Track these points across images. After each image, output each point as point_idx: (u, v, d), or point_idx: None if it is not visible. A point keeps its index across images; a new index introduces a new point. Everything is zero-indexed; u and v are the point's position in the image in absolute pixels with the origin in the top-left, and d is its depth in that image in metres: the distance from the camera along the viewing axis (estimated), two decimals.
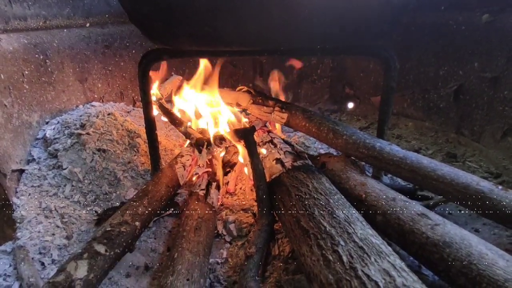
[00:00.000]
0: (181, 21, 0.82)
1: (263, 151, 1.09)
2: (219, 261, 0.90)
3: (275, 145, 1.11)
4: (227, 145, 1.16)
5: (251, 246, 0.80)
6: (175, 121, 1.35)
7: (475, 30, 1.34)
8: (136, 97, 1.79)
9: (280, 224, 0.93)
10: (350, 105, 1.96)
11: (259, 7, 0.73)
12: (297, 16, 0.76)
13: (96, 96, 1.57)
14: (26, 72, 1.19)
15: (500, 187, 0.80)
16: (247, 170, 1.12)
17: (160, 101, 1.43)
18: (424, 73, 1.59)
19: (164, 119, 1.44)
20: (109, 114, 1.32)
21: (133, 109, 1.74)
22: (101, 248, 0.74)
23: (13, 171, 1.03)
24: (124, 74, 1.71)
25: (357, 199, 0.88)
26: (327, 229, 0.67)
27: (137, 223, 0.85)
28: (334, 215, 0.70)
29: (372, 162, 0.98)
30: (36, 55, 1.25)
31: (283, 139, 1.25)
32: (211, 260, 0.89)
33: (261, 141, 1.17)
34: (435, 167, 0.87)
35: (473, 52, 1.36)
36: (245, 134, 0.99)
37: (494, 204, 0.77)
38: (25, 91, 1.17)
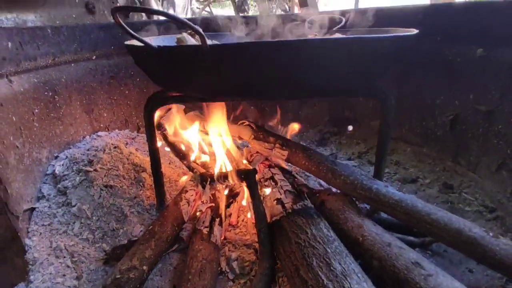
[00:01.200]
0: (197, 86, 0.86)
1: (264, 190, 1.12)
2: None
3: (276, 183, 1.15)
4: (230, 184, 1.20)
5: None
6: (178, 153, 1.40)
7: (470, 63, 1.37)
8: (141, 123, 1.84)
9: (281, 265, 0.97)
10: (350, 128, 2.00)
11: (270, 72, 0.78)
12: (296, 77, 0.81)
13: (102, 125, 1.62)
14: (36, 111, 1.24)
15: (491, 233, 0.84)
16: (249, 214, 1.15)
17: (164, 132, 1.48)
18: (421, 100, 1.63)
19: (168, 149, 1.49)
20: (115, 148, 1.37)
21: (138, 135, 1.79)
22: None
23: (25, 211, 1.07)
24: (128, 102, 1.76)
25: (355, 242, 0.92)
26: (325, 282, 0.71)
27: (144, 267, 0.89)
28: (332, 267, 0.74)
29: (369, 203, 1.02)
30: (46, 93, 1.30)
31: (284, 169, 1.29)
32: None
33: (262, 177, 1.21)
34: (429, 211, 0.90)
35: (468, 84, 1.39)
36: (246, 176, 1.03)
37: (485, 251, 0.81)
38: (35, 129, 1.22)
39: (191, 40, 1.12)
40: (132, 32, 0.76)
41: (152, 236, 0.97)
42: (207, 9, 11.37)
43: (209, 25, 1.80)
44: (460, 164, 1.45)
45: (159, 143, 1.46)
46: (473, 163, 1.38)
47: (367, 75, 0.93)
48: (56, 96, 1.35)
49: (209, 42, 1.26)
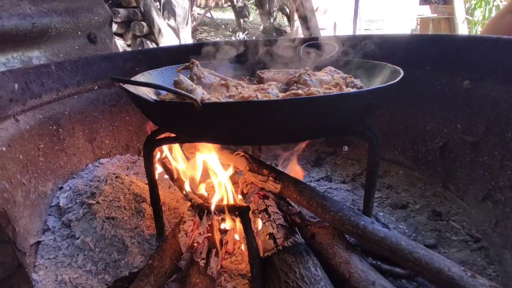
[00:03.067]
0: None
1: (258, 223, 1.18)
2: None
3: (269, 215, 1.20)
4: (225, 217, 1.26)
5: None
6: (177, 183, 1.45)
7: (457, 94, 1.43)
8: (141, 147, 1.90)
9: None
10: (345, 148, 2.05)
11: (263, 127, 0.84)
12: (282, 127, 0.86)
13: (103, 152, 1.69)
14: (41, 145, 1.30)
15: (469, 273, 0.89)
16: (243, 247, 1.21)
17: (163, 160, 1.54)
18: (412, 126, 1.68)
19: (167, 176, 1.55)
20: (116, 177, 1.43)
21: (138, 159, 1.85)
22: None
23: (31, 245, 1.13)
24: (129, 128, 1.82)
25: (342, 278, 0.97)
26: None
27: None
28: None
29: (356, 238, 1.07)
30: (50, 127, 1.36)
31: (278, 196, 1.34)
32: None
33: (257, 209, 1.27)
34: (412, 249, 0.96)
35: (456, 114, 1.44)
36: (240, 213, 1.08)
37: None
38: (40, 163, 1.28)
39: (187, 81, 1.18)
40: (133, 92, 0.82)
41: (152, 271, 1.03)
42: (208, 14, 11.43)
43: (204, 50, 1.86)
44: (449, 190, 1.50)
45: (159, 169, 1.52)
46: (461, 190, 1.43)
47: (351, 121, 0.99)
48: (60, 129, 1.41)
49: (205, 71, 1.33)
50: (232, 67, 1.63)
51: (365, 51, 1.55)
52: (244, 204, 1.22)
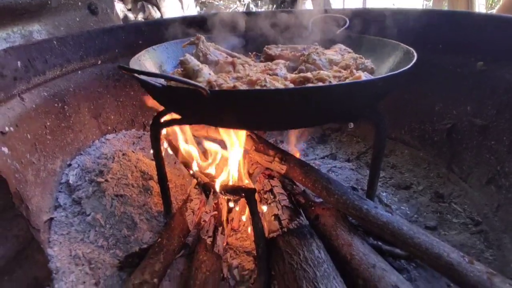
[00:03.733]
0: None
1: (263, 208, 1.21)
2: None
3: (275, 196, 1.23)
4: (231, 198, 1.28)
5: None
6: (183, 161, 1.47)
7: (470, 75, 1.39)
8: (146, 121, 1.90)
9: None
10: (351, 125, 2.03)
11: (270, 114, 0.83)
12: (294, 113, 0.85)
13: (109, 128, 1.69)
14: (48, 124, 1.30)
15: (467, 259, 0.92)
16: (249, 229, 1.24)
17: (169, 138, 1.54)
18: (421, 105, 1.66)
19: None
20: (123, 155, 1.44)
21: (144, 134, 1.86)
22: None
23: (45, 222, 1.18)
24: (134, 102, 1.81)
25: (343, 259, 1.01)
26: None
27: (155, 280, 1.00)
28: None
29: (359, 221, 1.10)
30: (56, 104, 1.36)
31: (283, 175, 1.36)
32: None
33: (262, 189, 1.29)
34: (413, 235, 0.98)
35: (467, 96, 1.41)
36: (246, 195, 1.10)
37: (460, 276, 0.90)
38: (48, 142, 1.29)
39: (194, 61, 1.15)
40: (140, 78, 0.80)
41: (161, 249, 1.08)
42: None
43: (209, 22, 1.79)
44: (453, 172, 1.50)
45: (164, 145, 1.53)
46: (465, 172, 1.44)
47: (361, 107, 0.97)
48: (65, 106, 1.40)
49: (211, 47, 1.29)
50: (238, 40, 1.58)
51: (376, 25, 1.49)
52: (251, 186, 1.24)
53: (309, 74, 1.04)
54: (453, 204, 1.36)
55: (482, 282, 0.86)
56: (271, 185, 1.29)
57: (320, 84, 0.97)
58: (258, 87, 0.95)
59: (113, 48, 1.65)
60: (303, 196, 1.31)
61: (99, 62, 1.60)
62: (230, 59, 1.27)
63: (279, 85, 0.96)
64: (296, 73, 1.18)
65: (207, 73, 1.14)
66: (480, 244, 1.17)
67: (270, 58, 1.37)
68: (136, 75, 0.79)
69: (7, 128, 1.03)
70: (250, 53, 1.49)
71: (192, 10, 5.82)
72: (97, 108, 1.60)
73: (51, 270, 1.08)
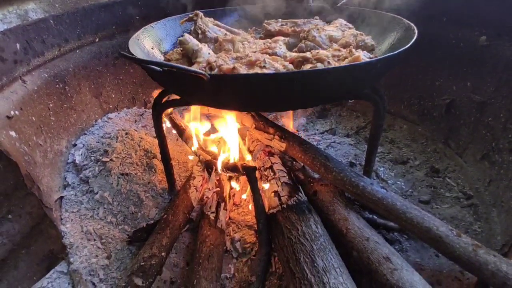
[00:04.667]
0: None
1: (264, 186, 1.25)
2: (228, 276, 1.14)
3: (275, 173, 1.27)
4: (233, 175, 1.32)
5: (252, 274, 1.03)
6: (186, 138, 1.50)
7: (472, 50, 1.37)
8: (147, 99, 1.91)
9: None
10: (351, 99, 2.04)
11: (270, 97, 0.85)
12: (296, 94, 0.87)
13: (111, 106, 1.71)
14: (51, 105, 1.32)
15: (454, 232, 0.97)
16: (250, 206, 1.30)
17: (171, 115, 1.57)
18: (421, 81, 1.65)
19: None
20: (126, 134, 1.48)
21: (145, 111, 1.88)
22: (139, 281, 0.97)
23: (55, 200, 1.23)
24: (134, 80, 1.81)
25: (339, 233, 1.07)
26: (308, 276, 0.88)
27: (163, 253, 1.07)
28: (315, 264, 0.90)
29: (356, 197, 1.15)
30: (57, 85, 1.37)
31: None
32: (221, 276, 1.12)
33: (263, 166, 1.33)
34: (405, 210, 1.03)
35: (467, 71, 1.41)
36: (247, 173, 1.15)
37: (448, 248, 0.96)
38: (52, 123, 1.32)
39: (193, 41, 1.14)
40: (141, 60, 0.81)
41: (167, 225, 1.14)
42: None
43: None
44: (450, 147, 1.54)
45: (166, 123, 1.56)
46: (461, 147, 1.47)
47: (361, 87, 0.98)
48: (66, 87, 1.41)
49: (210, 23, 1.28)
50: (238, 14, 1.55)
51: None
52: (251, 163, 1.28)
53: (308, 54, 1.04)
54: (447, 179, 1.41)
55: (467, 254, 0.92)
56: (271, 162, 1.33)
57: (319, 64, 0.98)
58: (257, 68, 0.95)
59: (110, 25, 1.62)
60: (302, 173, 1.35)
61: (97, 40, 1.58)
62: (229, 36, 1.26)
63: (278, 65, 0.97)
64: (295, 51, 1.17)
65: (206, 53, 1.14)
66: (469, 217, 1.22)
67: (270, 34, 1.36)
68: (135, 57, 0.79)
69: (12, 112, 1.06)
70: (249, 28, 1.47)
71: None
72: (97, 87, 1.61)
73: (65, 245, 1.15)
